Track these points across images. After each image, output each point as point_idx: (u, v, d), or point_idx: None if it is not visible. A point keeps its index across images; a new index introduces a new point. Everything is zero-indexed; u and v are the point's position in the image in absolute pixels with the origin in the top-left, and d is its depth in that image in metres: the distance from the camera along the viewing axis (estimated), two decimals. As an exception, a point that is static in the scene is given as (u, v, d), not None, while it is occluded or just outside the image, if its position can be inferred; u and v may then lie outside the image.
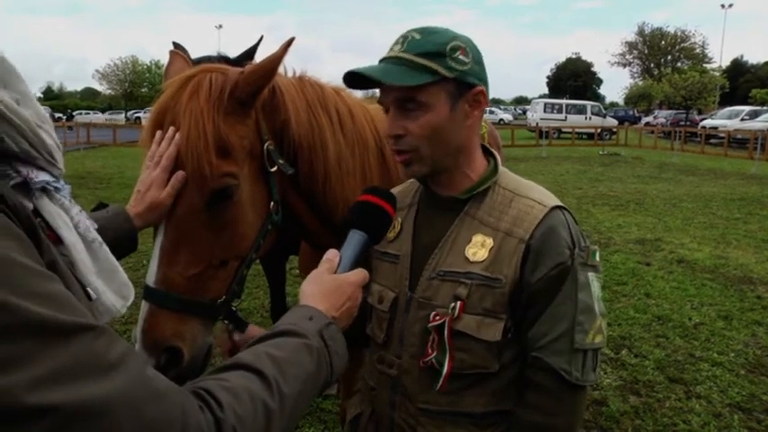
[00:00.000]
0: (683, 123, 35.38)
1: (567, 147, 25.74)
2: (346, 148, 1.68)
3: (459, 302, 1.22)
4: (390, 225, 1.23)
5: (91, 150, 22.02)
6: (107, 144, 24.42)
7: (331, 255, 1.12)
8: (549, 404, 1.21)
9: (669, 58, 69.15)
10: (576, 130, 29.45)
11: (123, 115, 52.84)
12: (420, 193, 1.42)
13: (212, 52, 2.88)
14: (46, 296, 0.56)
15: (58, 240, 0.70)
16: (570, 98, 47.94)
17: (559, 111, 34.87)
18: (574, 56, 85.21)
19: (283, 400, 0.78)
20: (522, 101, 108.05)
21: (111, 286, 0.80)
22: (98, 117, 49.81)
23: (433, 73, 1.17)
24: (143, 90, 62.02)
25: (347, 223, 1.19)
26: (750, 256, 6.82)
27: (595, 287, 1.25)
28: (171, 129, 1.34)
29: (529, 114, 38.54)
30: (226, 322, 1.48)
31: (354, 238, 1.15)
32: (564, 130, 31.30)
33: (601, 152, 22.37)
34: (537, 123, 30.36)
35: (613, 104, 72.35)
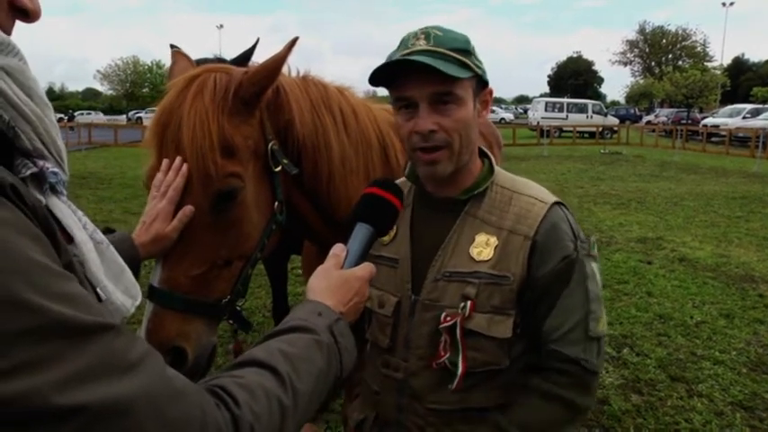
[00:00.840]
0: (684, 122, 35.33)
1: (569, 146, 25.71)
2: (350, 147, 1.69)
3: (469, 302, 1.23)
4: (397, 217, 1.23)
5: (92, 151, 22.04)
6: (108, 144, 24.43)
7: (338, 250, 1.11)
8: (571, 384, 1.24)
9: (670, 56, 69.08)
10: (578, 128, 29.41)
11: (124, 116, 52.81)
12: (413, 195, 1.41)
13: (210, 54, 2.88)
14: (67, 296, 0.56)
15: (68, 239, 0.70)
16: (571, 97, 47.84)
17: (560, 110, 34.82)
18: (575, 55, 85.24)
19: (297, 396, 0.79)
20: (523, 100, 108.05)
21: (119, 286, 0.80)
22: (99, 117, 49.81)
23: (467, 68, 1.20)
24: (144, 90, 62.09)
25: (353, 216, 1.18)
26: (752, 254, 6.81)
27: (599, 277, 1.30)
28: (178, 159, 1.32)
29: (530, 113, 38.50)
30: (231, 322, 1.48)
31: (361, 232, 1.14)
32: (565, 128, 31.25)
33: (602, 151, 22.34)
34: (538, 122, 30.31)
35: (614, 103, 72.32)
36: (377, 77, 1.24)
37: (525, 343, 1.29)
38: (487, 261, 1.25)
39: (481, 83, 1.27)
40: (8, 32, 0.67)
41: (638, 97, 58.08)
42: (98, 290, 0.74)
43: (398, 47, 1.24)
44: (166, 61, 2.72)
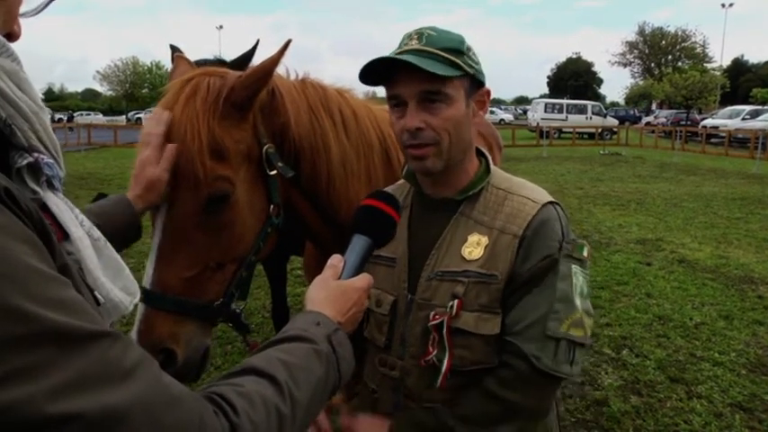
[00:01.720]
0: (683, 123, 35.36)
1: (568, 147, 25.73)
2: (351, 149, 1.68)
3: (456, 300, 1.24)
4: (395, 229, 1.23)
5: (92, 151, 22.04)
6: (108, 145, 24.44)
7: (335, 260, 1.12)
8: (514, 382, 1.22)
9: (670, 57, 69.10)
10: (577, 129, 29.44)
11: (124, 117, 52.84)
12: (412, 195, 1.43)
13: (210, 55, 2.88)
14: (61, 303, 0.55)
15: (64, 236, 0.70)
16: (571, 98, 47.97)
17: (560, 111, 34.88)
18: (574, 56, 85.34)
19: (295, 405, 0.78)
20: (522, 101, 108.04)
21: (117, 283, 0.79)
22: (99, 118, 49.82)
23: (458, 67, 1.21)
24: (144, 91, 62.09)
25: (351, 228, 1.19)
26: (751, 255, 6.81)
27: (579, 280, 1.25)
28: (158, 109, 1.35)
29: (529, 114, 38.53)
30: (230, 325, 1.48)
31: (359, 244, 1.15)
32: (565, 129, 31.29)
33: (602, 152, 22.36)
34: (538, 123, 30.35)
35: (614, 104, 72.35)
36: (370, 75, 1.25)
37: None
38: (477, 260, 1.26)
39: (476, 83, 1.28)
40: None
41: (637, 98, 58.11)
42: (95, 292, 0.73)
43: (397, 46, 1.26)
44: (166, 62, 2.74)
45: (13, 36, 0.70)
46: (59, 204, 0.71)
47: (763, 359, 4.08)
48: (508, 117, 50.42)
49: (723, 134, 24.02)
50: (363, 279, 1.10)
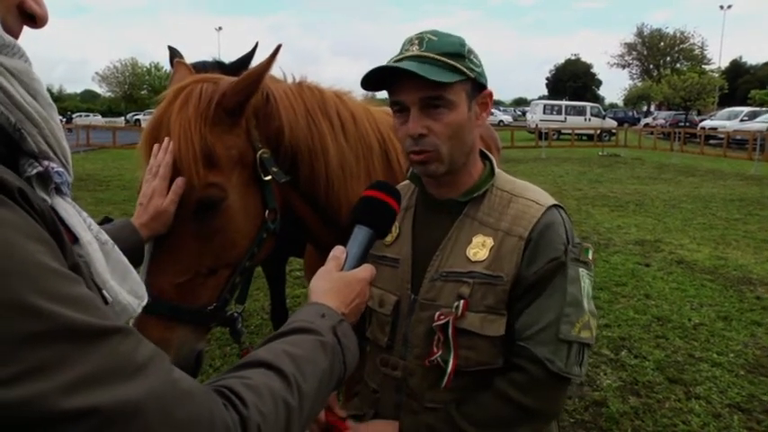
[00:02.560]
0: (682, 124, 35.39)
1: (567, 148, 25.74)
2: (349, 151, 1.68)
3: (462, 301, 1.25)
4: (395, 219, 1.25)
5: (91, 153, 22.02)
6: (107, 146, 24.41)
7: (338, 252, 1.12)
8: (528, 386, 1.23)
9: (668, 59, 69.11)
10: (576, 131, 29.45)
11: (123, 118, 52.82)
12: (416, 196, 1.43)
13: (209, 57, 2.89)
14: (74, 299, 0.56)
15: (73, 240, 0.70)
16: (570, 99, 47.96)
17: (559, 112, 34.88)
18: (573, 57, 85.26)
19: (302, 397, 0.79)
20: (521, 102, 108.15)
21: (124, 286, 0.80)
22: (98, 119, 49.78)
23: (459, 72, 1.21)
24: (143, 92, 62.04)
25: (352, 219, 1.20)
26: (749, 256, 6.82)
27: (586, 283, 1.27)
28: (166, 139, 1.35)
29: (528, 116, 38.53)
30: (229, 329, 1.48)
31: (360, 234, 1.16)
32: (563, 131, 31.31)
33: (600, 153, 22.38)
34: (536, 125, 30.36)
35: (612, 106, 72.41)
36: (372, 82, 1.26)
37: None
38: (482, 261, 1.27)
39: (478, 85, 1.28)
40: (15, 37, 0.67)
41: (636, 100, 58.15)
42: (104, 291, 0.74)
43: (399, 51, 1.27)
44: (165, 63, 2.74)
45: (37, 21, 0.69)
46: (68, 209, 0.72)
47: (761, 360, 4.09)
48: (507, 118, 50.41)
49: (721, 135, 24.06)
50: (366, 270, 1.11)
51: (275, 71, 1.62)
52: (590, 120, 33.60)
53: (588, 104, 37.19)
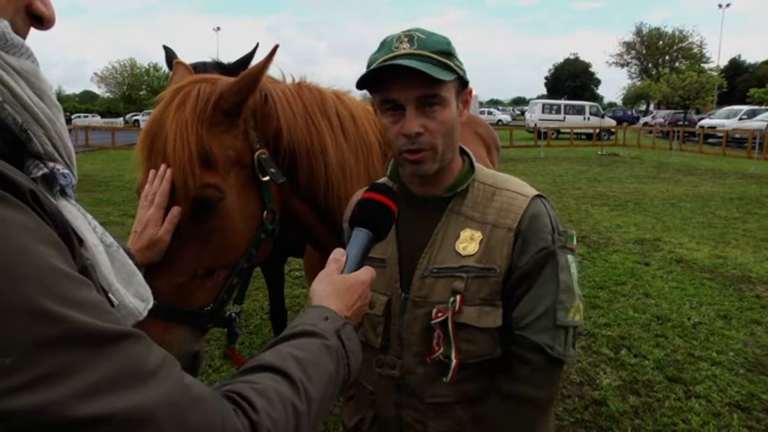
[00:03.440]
0: (681, 123, 35.40)
1: (566, 147, 25.74)
2: (349, 151, 1.68)
3: (458, 296, 1.26)
4: (394, 221, 1.24)
5: (89, 153, 22.00)
6: (106, 147, 24.39)
7: (338, 254, 1.12)
8: (533, 377, 1.26)
9: (667, 58, 69.17)
10: (575, 130, 29.44)
11: (121, 119, 52.77)
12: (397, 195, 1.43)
13: (209, 57, 2.89)
14: (87, 304, 0.55)
15: (79, 243, 0.69)
16: (568, 99, 47.95)
17: (558, 111, 34.89)
18: (572, 56, 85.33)
19: (310, 401, 0.79)
20: (520, 101, 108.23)
21: (130, 290, 0.79)
22: (96, 120, 49.75)
23: (451, 70, 1.23)
24: (141, 93, 61.99)
25: (351, 221, 1.20)
26: (749, 255, 6.83)
27: (573, 269, 1.31)
28: (163, 166, 1.34)
29: (527, 115, 38.53)
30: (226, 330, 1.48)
31: (359, 237, 1.16)
32: (562, 130, 31.33)
33: (599, 152, 22.38)
34: (535, 124, 30.36)
35: (611, 105, 72.39)
36: (367, 81, 1.25)
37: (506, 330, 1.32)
38: (473, 255, 1.29)
39: (462, 83, 1.30)
40: (23, 38, 0.67)
41: (634, 99, 58.18)
42: (110, 294, 0.73)
43: (380, 49, 1.25)
44: (164, 64, 2.73)
45: (45, 23, 0.69)
46: (73, 211, 0.71)
47: (760, 358, 4.09)
48: (506, 118, 50.47)
49: (720, 134, 24.07)
50: (367, 272, 1.11)
51: (275, 72, 1.62)
52: (589, 119, 33.59)
53: (587, 103, 37.20)
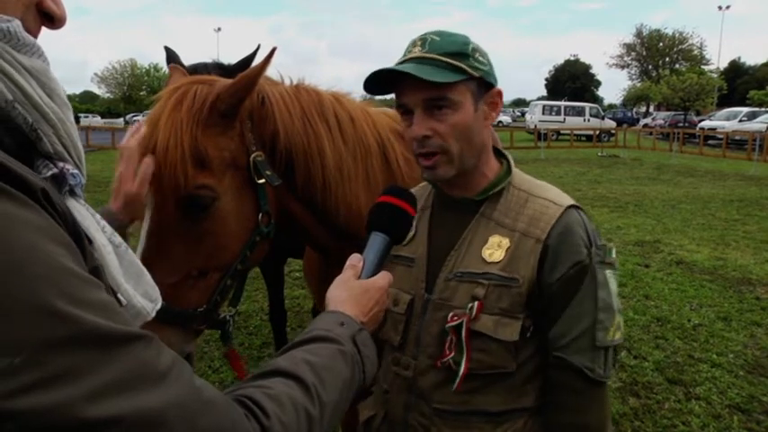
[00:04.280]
0: (681, 125, 35.42)
1: (566, 149, 25.76)
2: (347, 153, 1.67)
3: (476, 302, 1.23)
4: (411, 225, 1.23)
5: (89, 154, 21.99)
6: (106, 147, 24.40)
7: (354, 260, 1.11)
8: (577, 403, 1.22)
9: (667, 59, 69.20)
10: (575, 132, 29.44)
11: (122, 119, 52.84)
12: (433, 196, 1.42)
13: (209, 58, 2.89)
14: (98, 304, 0.55)
15: (88, 242, 0.69)
16: (569, 100, 47.98)
17: (558, 113, 34.88)
18: (572, 58, 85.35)
19: (323, 407, 0.78)
20: (520, 103, 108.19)
21: (138, 290, 0.78)
22: (97, 120, 49.78)
23: (461, 71, 1.19)
24: (142, 93, 62.02)
25: (368, 226, 1.18)
26: (749, 257, 6.82)
27: (613, 285, 1.25)
28: (137, 123, 1.36)
29: (527, 116, 38.53)
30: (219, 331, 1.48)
31: (376, 241, 1.15)
32: (562, 131, 31.31)
33: (599, 154, 22.40)
34: (535, 125, 30.37)
35: (611, 106, 72.42)
36: (376, 86, 1.25)
37: (534, 347, 1.28)
38: (498, 263, 1.24)
39: (485, 84, 1.25)
40: (35, 37, 0.67)
41: (635, 100, 58.23)
42: (118, 295, 0.72)
43: (403, 53, 1.26)
44: (164, 64, 2.73)
45: (56, 21, 0.69)
46: (82, 211, 0.70)
47: (760, 360, 4.09)
48: (506, 119, 50.49)
49: (720, 136, 24.07)
50: (384, 277, 1.10)
51: (273, 73, 1.62)
52: (589, 120, 33.59)
53: (587, 105, 37.18)
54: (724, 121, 29.34)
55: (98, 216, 0.75)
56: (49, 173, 0.66)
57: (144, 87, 62.77)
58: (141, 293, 0.79)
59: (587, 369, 1.19)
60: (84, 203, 0.73)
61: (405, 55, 1.23)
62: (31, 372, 0.48)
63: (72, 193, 0.70)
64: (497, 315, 1.23)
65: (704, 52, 67.87)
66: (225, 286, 1.42)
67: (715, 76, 52.39)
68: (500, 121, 46.40)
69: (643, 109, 61.33)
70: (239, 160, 1.41)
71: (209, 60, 2.88)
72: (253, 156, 1.42)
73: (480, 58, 1.23)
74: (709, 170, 16.74)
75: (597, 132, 28.64)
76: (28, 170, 0.57)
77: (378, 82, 1.23)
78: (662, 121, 39.08)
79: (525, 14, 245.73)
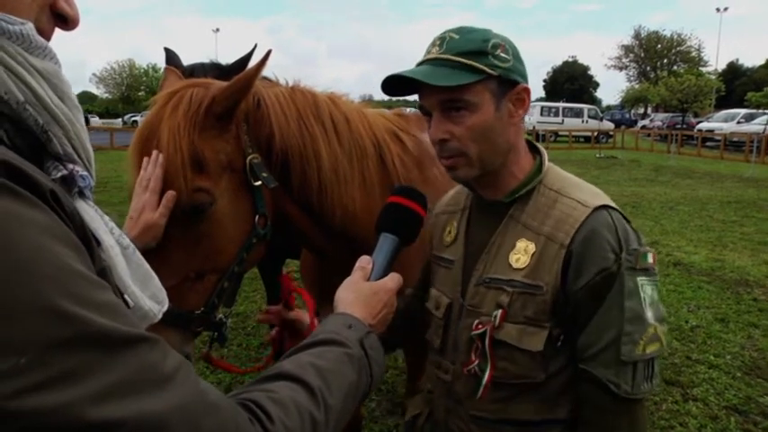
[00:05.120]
0: (679, 126, 35.45)
1: (564, 150, 25.80)
2: (343, 155, 1.67)
3: (500, 311, 1.19)
4: (421, 225, 1.20)
5: (88, 154, 21.95)
6: (104, 147, 24.35)
7: (364, 262, 1.11)
8: (603, 419, 1.16)
9: (665, 61, 69.31)
10: (573, 133, 29.49)
11: (120, 120, 52.80)
12: (471, 198, 1.39)
13: (207, 58, 2.90)
14: (104, 306, 0.55)
15: (96, 244, 0.69)
16: (567, 101, 48.00)
17: (556, 114, 34.90)
18: (570, 59, 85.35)
19: (328, 411, 0.77)
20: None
21: (146, 292, 0.78)
22: (95, 121, 49.70)
23: (477, 71, 1.13)
24: (140, 93, 61.96)
25: (377, 227, 1.17)
26: (746, 258, 6.83)
27: (647, 292, 1.15)
28: (155, 152, 1.34)
29: (525, 118, 38.37)
30: (215, 334, 1.48)
31: (386, 243, 1.14)
32: (561, 133, 31.36)
33: (597, 155, 22.42)
34: (534, 127, 30.38)
35: (609, 108, 72.51)
36: (395, 88, 1.22)
37: (566, 358, 1.21)
38: (523, 269, 1.19)
39: (508, 82, 1.18)
40: (48, 39, 0.67)
41: (633, 102, 58.29)
42: (125, 296, 0.72)
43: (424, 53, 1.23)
44: (162, 65, 2.73)
45: (69, 22, 0.69)
46: (90, 213, 0.71)
47: (758, 362, 4.09)
48: (505, 120, 50.29)
49: (718, 138, 24.11)
50: (393, 279, 1.09)
51: (270, 75, 1.62)
52: (587, 122, 33.64)
53: (585, 106, 37.24)
54: (722, 122, 29.33)
55: (107, 218, 0.75)
56: (59, 174, 0.66)
57: (142, 88, 62.70)
58: (149, 296, 0.79)
59: (612, 384, 1.12)
60: (93, 205, 0.73)
61: (424, 55, 1.20)
62: (35, 372, 0.48)
63: (81, 194, 0.70)
64: (522, 324, 1.18)
65: (702, 54, 67.98)
66: (222, 288, 1.42)
67: (713, 77, 52.43)
68: (498, 123, 46.29)
69: (641, 110, 61.42)
70: (236, 163, 1.41)
71: (206, 61, 2.89)
72: (249, 158, 1.42)
73: (502, 55, 1.16)
74: (707, 172, 16.76)
75: (595, 134, 28.68)
76: (38, 171, 0.57)
77: (394, 85, 1.21)
78: (660, 123, 39.09)
79: (524, 16, 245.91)
